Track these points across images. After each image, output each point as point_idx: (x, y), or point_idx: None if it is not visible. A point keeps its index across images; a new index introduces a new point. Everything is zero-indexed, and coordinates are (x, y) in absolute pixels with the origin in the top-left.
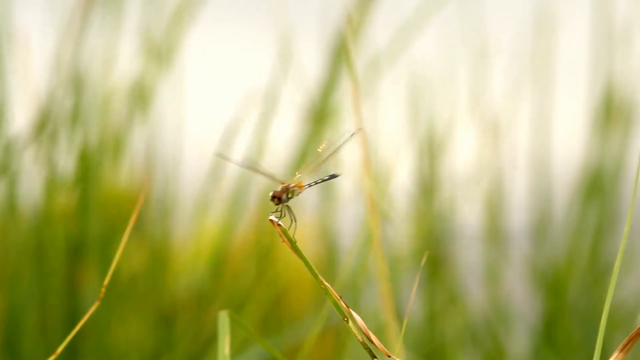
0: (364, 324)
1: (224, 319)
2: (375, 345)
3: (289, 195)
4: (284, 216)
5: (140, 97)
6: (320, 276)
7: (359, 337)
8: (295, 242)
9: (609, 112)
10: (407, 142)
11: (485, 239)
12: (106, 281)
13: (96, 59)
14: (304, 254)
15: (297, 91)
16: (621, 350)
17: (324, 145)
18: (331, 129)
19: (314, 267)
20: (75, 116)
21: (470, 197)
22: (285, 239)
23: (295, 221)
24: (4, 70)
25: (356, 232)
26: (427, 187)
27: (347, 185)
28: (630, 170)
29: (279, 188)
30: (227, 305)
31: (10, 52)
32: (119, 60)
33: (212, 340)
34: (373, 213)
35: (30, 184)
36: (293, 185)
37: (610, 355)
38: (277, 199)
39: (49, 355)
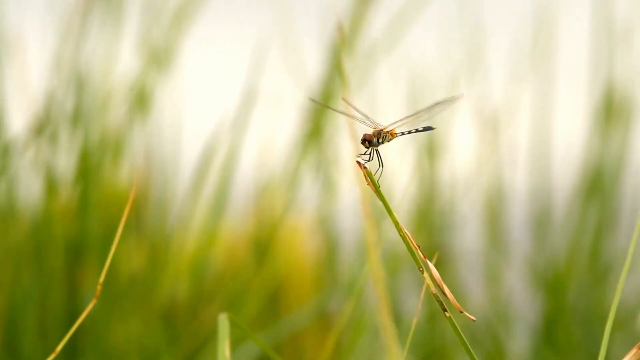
0: (439, 276)
1: (223, 321)
2: (449, 299)
3: (380, 140)
4: (372, 160)
5: (140, 97)
6: (400, 224)
7: (433, 289)
8: (379, 186)
9: (610, 111)
10: (406, 140)
11: (485, 239)
12: (101, 279)
13: (96, 59)
14: (387, 199)
15: (297, 89)
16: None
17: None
18: (331, 126)
19: (395, 215)
20: (75, 117)
21: (470, 196)
22: (370, 182)
23: (383, 167)
24: (3, 71)
25: (356, 230)
26: (427, 186)
27: (347, 182)
28: (631, 169)
29: (370, 131)
30: (226, 302)
31: (8, 52)
32: (119, 61)
33: (210, 338)
34: (368, 215)
35: (30, 184)
36: (386, 130)
37: (610, 355)
38: (368, 141)
39: (49, 354)
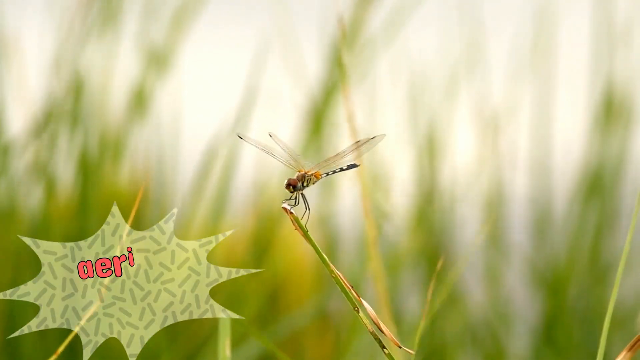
0: (375, 314)
1: (224, 320)
2: (386, 336)
3: (305, 184)
4: (297, 204)
5: (139, 98)
6: (331, 265)
7: (369, 327)
8: (307, 230)
9: (609, 111)
10: (407, 140)
11: (485, 239)
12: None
13: (95, 60)
14: (315, 242)
15: (297, 88)
16: (629, 349)
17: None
18: (330, 126)
19: (324, 255)
20: (74, 117)
21: (470, 196)
22: (297, 227)
23: (309, 210)
24: (2, 72)
25: (356, 230)
26: (427, 186)
27: (347, 182)
28: (631, 169)
29: (294, 176)
30: (225, 302)
31: (7, 53)
32: (118, 62)
33: (210, 338)
34: (368, 214)
35: (30, 184)
36: (310, 173)
37: (610, 355)
38: (292, 186)
39: (49, 355)
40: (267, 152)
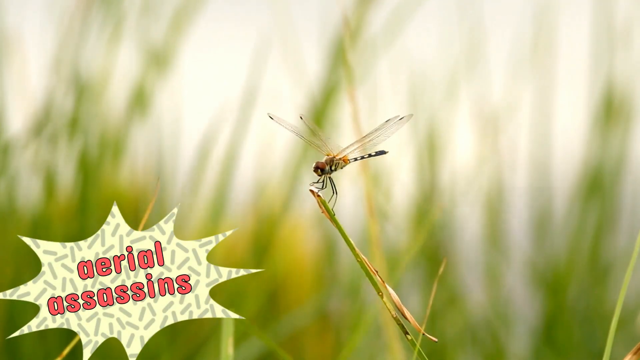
0: (399, 299)
1: (227, 319)
2: (409, 322)
3: (333, 168)
4: (325, 187)
5: (139, 97)
6: (357, 249)
7: (393, 313)
8: (334, 214)
9: (609, 111)
10: (407, 140)
11: (485, 239)
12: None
13: (95, 60)
14: (342, 225)
15: (297, 87)
16: (635, 353)
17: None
18: (331, 126)
19: (350, 239)
20: (74, 117)
21: (470, 196)
22: (324, 210)
23: (336, 193)
24: (2, 71)
25: (356, 228)
26: (427, 186)
27: (348, 182)
28: (631, 169)
29: (322, 159)
30: (225, 301)
31: (8, 52)
32: (118, 61)
33: (210, 338)
34: (372, 213)
35: (30, 184)
36: (338, 157)
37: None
38: (320, 169)
39: (49, 355)
40: (297, 134)
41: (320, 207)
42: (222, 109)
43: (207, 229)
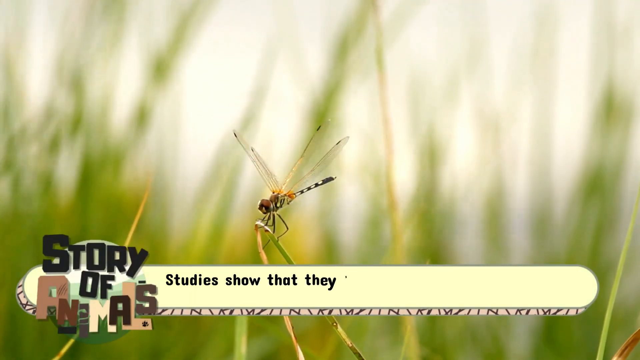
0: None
1: (241, 318)
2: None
3: (278, 205)
4: (272, 224)
5: (142, 101)
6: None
7: (348, 343)
8: (284, 249)
9: (610, 111)
10: (408, 140)
11: (486, 238)
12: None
13: (97, 64)
14: (291, 259)
15: (300, 91)
16: (620, 355)
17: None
18: (332, 124)
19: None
20: (76, 120)
21: (471, 196)
22: (261, 248)
23: (287, 228)
24: (7, 73)
25: (356, 228)
26: (428, 186)
27: (347, 182)
28: (631, 169)
29: (267, 197)
30: None
31: (11, 56)
32: (120, 64)
33: (211, 338)
34: (394, 208)
35: (32, 185)
36: (283, 194)
37: (610, 355)
38: (265, 207)
39: (49, 355)
40: (253, 161)
41: (259, 246)
42: (224, 112)
43: (212, 230)
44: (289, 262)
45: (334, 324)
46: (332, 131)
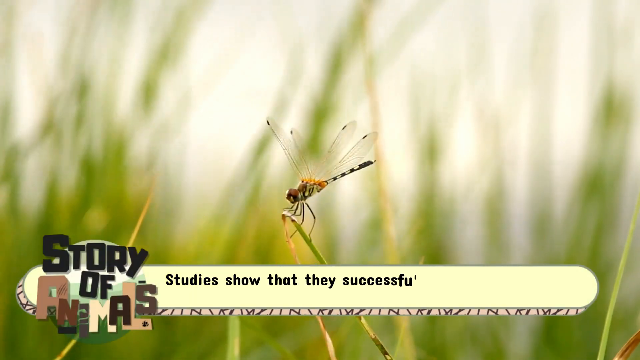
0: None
1: (234, 320)
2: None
3: (306, 194)
4: (299, 214)
5: (145, 99)
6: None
7: (372, 334)
8: (310, 239)
9: (609, 111)
10: (409, 139)
11: (486, 237)
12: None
13: (102, 60)
14: (319, 252)
15: (301, 88)
16: (621, 356)
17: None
18: (333, 124)
19: (325, 260)
20: (80, 118)
21: (471, 196)
22: (288, 237)
23: (314, 218)
24: (12, 72)
25: (357, 229)
26: (428, 186)
27: (348, 182)
28: (631, 169)
29: (296, 186)
30: None
31: (19, 54)
32: (125, 63)
33: (214, 341)
34: (386, 209)
35: (35, 184)
36: (312, 182)
37: (611, 355)
38: (293, 197)
39: (51, 355)
40: (284, 149)
41: (286, 235)
42: (228, 110)
43: (213, 230)
44: (315, 253)
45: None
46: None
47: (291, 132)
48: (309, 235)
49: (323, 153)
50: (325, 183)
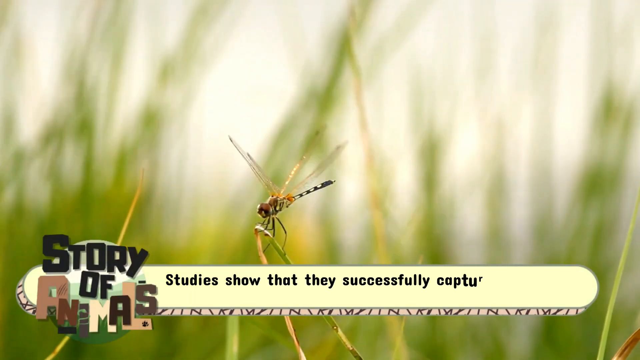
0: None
1: (232, 319)
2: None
3: (277, 208)
4: (271, 228)
5: (147, 105)
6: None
7: (349, 346)
8: (284, 253)
9: (609, 111)
10: (410, 139)
11: (487, 238)
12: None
13: (104, 64)
14: (291, 262)
15: (302, 83)
16: (620, 355)
17: (307, 156)
18: (334, 119)
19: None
20: (82, 122)
21: (472, 195)
22: (261, 252)
23: (286, 232)
24: (14, 79)
25: (358, 229)
26: (429, 184)
27: (349, 181)
28: (631, 169)
29: (267, 200)
30: None
31: (20, 58)
32: (127, 68)
33: (214, 341)
34: (376, 208)
35: (38, 188)
36: (282, 197)
37: (611, 355)
38: (264, 211)
39: (50, 354)
40: (250, 165)
41: (259, 250)
42: (229, 109)
43: (217, 230)
44: (286, 262)
45: (334, 327)
46: (333, 132)
47: (248, 155)
48: (282, 249)
49: (294, 165)
50: (294, 198)
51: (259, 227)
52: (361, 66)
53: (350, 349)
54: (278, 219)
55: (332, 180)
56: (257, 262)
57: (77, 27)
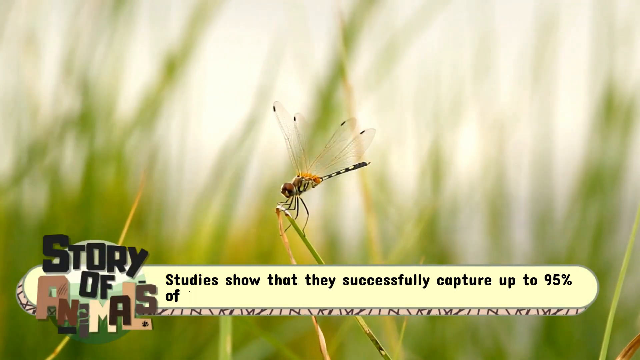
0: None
1: (225, 318)
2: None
3: (301, 189)
4: (293, 208)
5: (147, 102)
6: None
7: (366, 329)
8: (304, 234)
9: (610, 111)
10: (411, 138)
11: (487, 238)
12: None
13: (105, 61)
14: (313, 246)
15: (303, 86)
16: (624, 356)
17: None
18: (334, 121)
19: (319, 256)
20: (83, 120)
21: (474, 197)
22: (282, 231)
23: (308, 213)
24: (15, 77)
25: (358, 229)
26: (431, 186)
27: (351, 180)
28: (631, 169)
29: (291, 180)
30: None
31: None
32: (128, 65)
33: (211, 338)
34: (369, 210)
35: (38, 185)
36: (307, 178)
37: (612, 355)
38: (288, 191)
39: (50, 354)
40: (286, 138)
41: (280, 229)
42: (230, 109)
43: (216, 231)
44: (309, 247)
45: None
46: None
47: (294, 119)
48: (303, 230)
49: (321, 147)
50: (321, 179)
51: (280, 206)
52: (364, 69)
53: (367, 332)
54: (302, 200)
55: (367, 162)
56: (257, 262)
57: (77, 25)
